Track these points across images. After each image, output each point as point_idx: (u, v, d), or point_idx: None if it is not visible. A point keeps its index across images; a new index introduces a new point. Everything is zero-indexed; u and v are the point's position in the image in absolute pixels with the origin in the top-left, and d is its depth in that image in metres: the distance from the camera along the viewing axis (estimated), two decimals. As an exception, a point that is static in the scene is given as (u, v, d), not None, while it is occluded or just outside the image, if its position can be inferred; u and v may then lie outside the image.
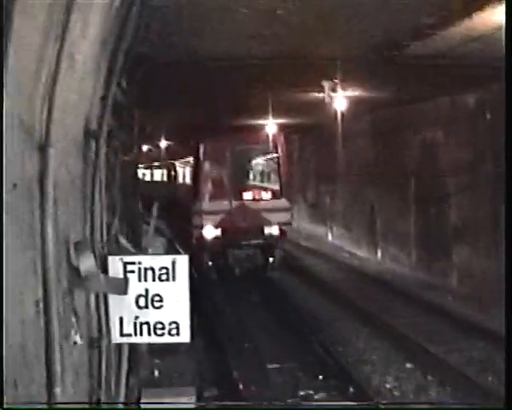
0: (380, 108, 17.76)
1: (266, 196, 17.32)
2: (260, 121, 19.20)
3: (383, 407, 8.48)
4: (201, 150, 17.50)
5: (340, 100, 12.66)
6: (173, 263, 4.06)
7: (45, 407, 2.29)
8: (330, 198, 24.61)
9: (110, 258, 4.02)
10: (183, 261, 4.07)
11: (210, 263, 16.67)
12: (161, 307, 4.07)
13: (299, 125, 23.44)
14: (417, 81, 12.75)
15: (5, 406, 1.95)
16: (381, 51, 9.99)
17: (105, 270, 3.90)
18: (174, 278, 4.06)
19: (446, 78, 11.98)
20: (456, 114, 15.23)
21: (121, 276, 3.97)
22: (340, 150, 19.26)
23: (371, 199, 20.44)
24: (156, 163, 32.78)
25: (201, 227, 16.66)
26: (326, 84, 12.25)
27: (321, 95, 13.03)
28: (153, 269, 4.04)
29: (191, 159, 19.15)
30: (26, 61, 2.61)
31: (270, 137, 17.61)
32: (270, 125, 17.84)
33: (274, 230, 16.89)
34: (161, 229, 25.57)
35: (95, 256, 3.64)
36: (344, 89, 12.30)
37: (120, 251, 4.51)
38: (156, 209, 4.74)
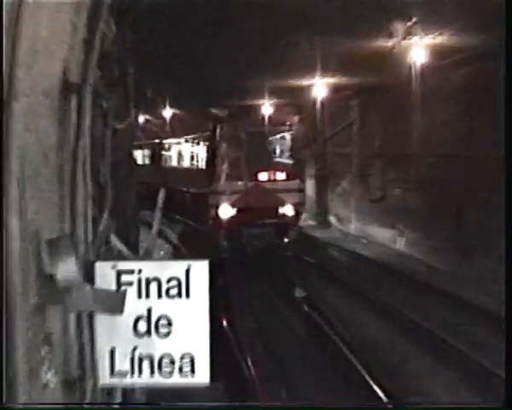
0: (475, 60, 17.41)
1: (281, 176, 22.45)
2: (304, 81, 19.16)
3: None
4: (218, 131, 22.83)
5: (417, 49, 12.48)
6: (187, 272, 3.97)
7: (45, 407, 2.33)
8: (402, 190, 24.43)
9: (98, 264, 3.95)
10: (201, 269, 3.98)
11: (225, 243, 21.78)
12: (169, 333, 4.01)
13: (357, 86, 23.34)
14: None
15: (4, 406, 2.02)
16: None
17: (91, 280, 3.83)
18: (188, 294, 3.99)
19: None
20: None
21: (114, 288, 3.90)
22: (416, 121, 19.10)
23: (460, 192, 20.19)
24: (158, 140, 33.69)
25: (217, 207, 21.94)
26: (398, 27, 12.10)
27: (390, 42, 12.89)
28: (158, 280, 3.97)
29: (205, 136, 25.16)
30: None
31: (286, 118, 23.52)
32: (318, 86, 18.22)
33: (288, 210, 22.13)
34: (165, 231, 26.32)
35: (76, 261, 3.58)
36: (424, 33, 12.10)
37: (112, 255, 4.46)
38: (163, 197, 4.67)
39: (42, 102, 3.61)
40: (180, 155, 30.40)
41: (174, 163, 31.53)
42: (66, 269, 3.53)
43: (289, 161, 23.49)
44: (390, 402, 11.46)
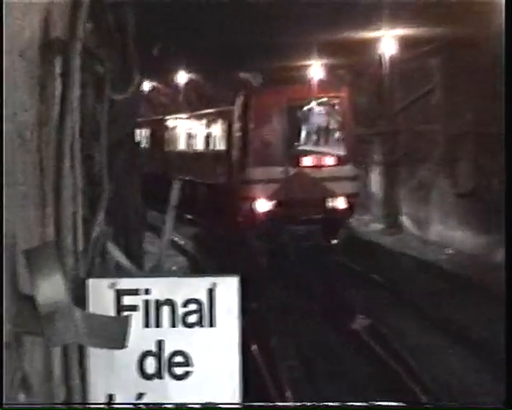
0: None
1: (330, 161, 23.53)
2: (367, 33, 19.14)
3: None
4: (250, 103, 23.71)
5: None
6: (210, 292, 3.99)
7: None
8: (502, 181, 24.14)
9: (91, 282, 3.99)
10: (229, 288, 4.00)
11: (258, 244, 23.06)
12: (187, 375, 4.02)
13: (441, 39, 23.13)
14: None
15: (5, 406, 2.42)
16: None
17: (82, 304, 3.85)
18: (212, 322, 4.00)
19: None
20: None
21: (113, 314, 3.92)
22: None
23: None
24: (168, 116, 33.91)
25: (249, 200, 23.15)
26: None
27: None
28: (172, 304, 3.98)
29: (228, 110, 25.59)
30: None
31: (335, 89, 24.84)
32: (386, 40, 18.15)
33: (339, 203, 23.24)
34: (175, 237, 26.33)
35: (64, 277, 3.58)
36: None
37: (110, 269, 4.48)
38: (177, 193, 4.69)
39: (16, 65, 3.62)
40: (190, 135, 30.46)
41: (182, 146, 31.53)
42: (50, 289, 3.50)
43: (340, 143, 24.23)
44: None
